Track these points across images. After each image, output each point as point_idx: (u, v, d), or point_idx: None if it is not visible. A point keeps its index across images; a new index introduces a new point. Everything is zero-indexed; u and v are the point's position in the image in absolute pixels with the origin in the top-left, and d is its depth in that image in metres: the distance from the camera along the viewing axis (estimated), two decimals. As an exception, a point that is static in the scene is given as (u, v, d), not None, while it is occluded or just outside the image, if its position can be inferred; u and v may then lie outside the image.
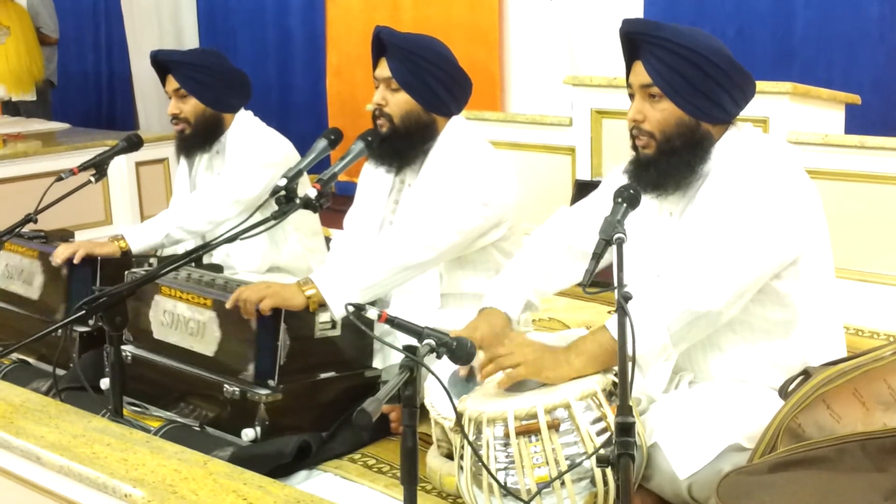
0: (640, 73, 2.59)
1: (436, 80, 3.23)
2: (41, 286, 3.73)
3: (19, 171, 6.26)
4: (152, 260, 3.77)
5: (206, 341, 3.08)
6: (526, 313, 3.17)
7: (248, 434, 2.91)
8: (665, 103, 2.57)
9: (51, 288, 3.70)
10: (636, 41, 2.60)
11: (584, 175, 5.10)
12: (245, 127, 3.96)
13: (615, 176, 2.87)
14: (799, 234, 2.53)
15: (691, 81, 2.53)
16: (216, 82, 3.90)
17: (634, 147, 2.66)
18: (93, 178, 3.90)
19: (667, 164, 2.58)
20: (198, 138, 3.95)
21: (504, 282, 2.96)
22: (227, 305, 2.96)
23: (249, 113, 4.03)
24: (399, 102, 3.24)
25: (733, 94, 2.58)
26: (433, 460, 2.84)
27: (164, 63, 3.91)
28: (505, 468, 2.36)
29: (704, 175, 2.60)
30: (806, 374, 2.43)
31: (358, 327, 2.29)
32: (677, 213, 2.66)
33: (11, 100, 8.27)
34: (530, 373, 2.49)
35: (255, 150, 3.87)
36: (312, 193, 3.01)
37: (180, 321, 3.15)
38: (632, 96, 2.65)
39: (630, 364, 2.05)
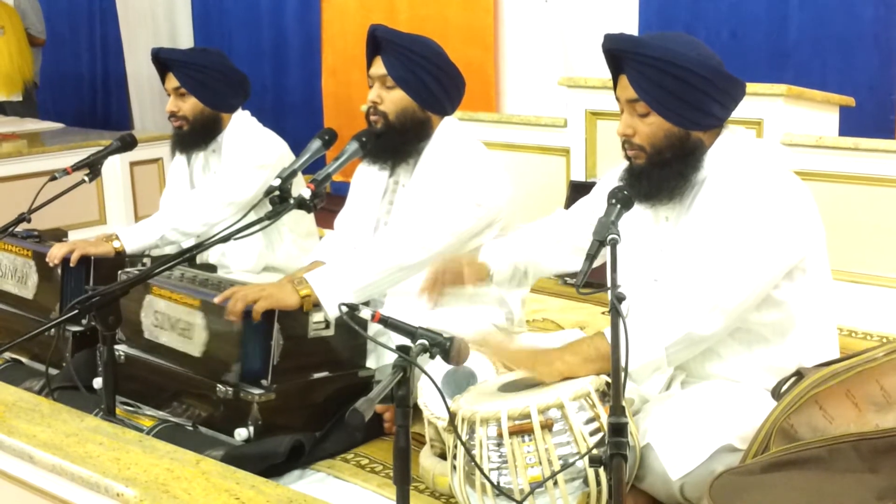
0: (626, 88, 2.59)
1: (431, 77, 3.23)
2: (35, 286, 3.73)
3: (13, 171, 6.25)
4: (146, 259, 3.77)
5: (195, 342, 3.07)
6: (519, 310, 3.18)
7: (241, 434, 2.91)
8: (653, 117, 2.56)
9: (45, 287, 3.70)
10: (619, 57, 2.60)
11: (579, 176, 5.11)
12: (241, 127, 3.96)
13: (610, 177, 2.87)
14: (798, 242, 2.53)
15: (677, 94, 2.53)
16: (216, 83, 3.89)
17: (627, 157, 2.66)
18: (87, 178, 3.90)
19: (659, 176, 2.58)
20: (195, 136, 3.95)
21: (496, 243, 3.01)
22: (217, 300, 2.96)
23: (247, 113, 4.02)
24: (394, 99, 3.24)
25: (721, 100, 2.57)
26: (426, 460, 2.84)
27: (165, 61, 3.91)
28: (498, 468, 2.36)
29: (700, 182, 2.60)
30: (799, 374, 2.44)
31: (351, 327, 2.29)
32: (673, 218, 2.66)
33: None
34: (528, 369, 2.51)
35: (250, 151, 3.86)
36: (307, 193, 3.00)
37: (170, 321, 3.14)
38: (621, 109, 2.65)
39: (622, 364, 2.05)
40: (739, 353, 2.63)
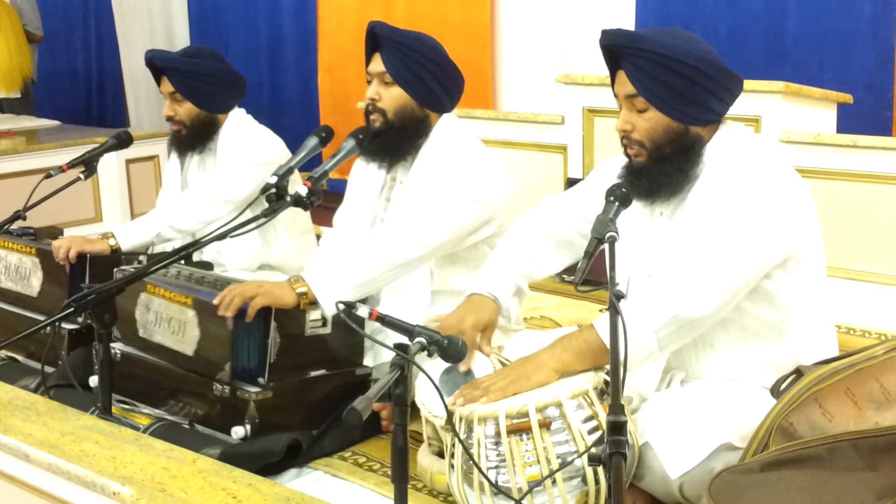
0: (624, 84, 2.58)
1: (429, 75, 3.22)
2: (41, 284, 3.70)
3: (8, 168, 6.24)
4: (141, 257, 3.75)
5: (186, 340, 3.06)
6: (516, 308, 3.17)
7: (238, 432, 2.90)
8: (651, 112, 2.56)
9: (52, 285, 3.67)
10: (617, 52, 2.59)
11: (576, 173, 5.10)
12: (237, 125, 3.94)
13: (603, 168, 2.86)
14: (789, 234, 2.53)
15: (675, 89, 2.52)
16: (211, 87, 3.87)
17: (626, 154, 2.65)
18: (82, 176, 3.88)
19: (659, 172, 2.57)
20: (193, 139, 3.94)
21: (491, 267, 2.93)
22: (215, 301, 2.95)
23: (242, 111, 4.00)
24: (393, 97, 3.22)
25: (720, 95, 2.57)
26: (424, 458, 2.83)
27: (159, 67, 3.89)
28: (496, 467, 2.36)
29: (696, 176, 2.59)
30: (798, 373, 2.43)
31: (349, 325, 2.28)
32: (668, 214, 2.66)
33: None
34: (521, 388, 2.47)
35: (246, 149, 3.85)
36: (303, 191, 2.99)
37: (163, 319, 3.13)
38: (619, 105, 2.64)
39: (622, 362, 2.04)
40: (735, 347, 2.62)
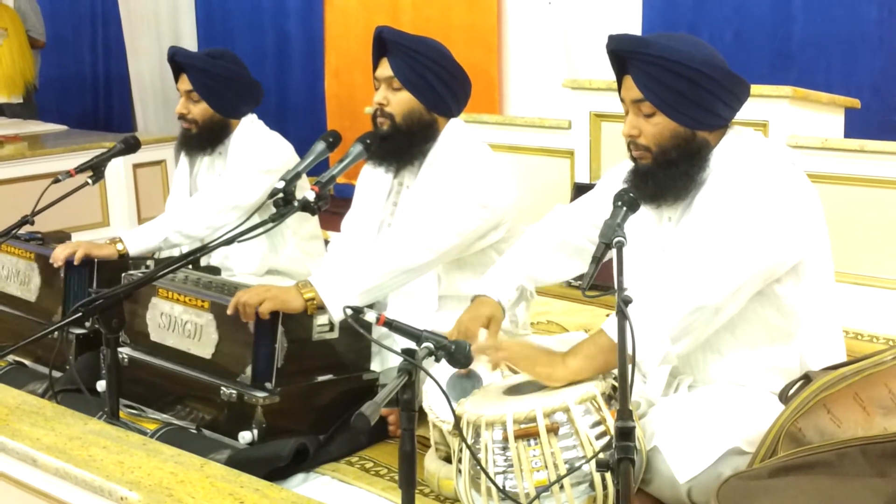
0: (631, 89, 2.58)
1: (437, 79, 3.23)
2: (38, 288, 3.72)
3: (15, 173, 6.24)
4: (149, 262, 3.76)
5: (204, 343, 3.07)
6: (523, 312, 3.17)
7: (246, 437, 2.90)
8: (658, 117, 2.56)
9: (48, 290, 3.69)
10: (623, 57, 2.59)
11: (583, 178, 5.10)
12: (249, 131, 3.95)
13: (612, 176, 2.86)
14: (799, 237, 2.52)
15: (683, 94, 2.52)
16: (230, 92, 3.88)
17: (633, 158, 2.65)
18: (90, 180, 3.88)
19: (665, 176, 2.57)
20: (202, 140, 3.94)
21: (495, 271, 2.96)
22: (229, 311, 2.95)
23: (254, 116, 4.01)
24: (401, 101, 3.23)
25: (727, 100, 2.57)
26: (431, 463, 2.83)
27: (180, 64, 3.90)
28: (503, 472, 2.36)
29: (703, 181, 2.59)
30: (807, 378, 2.42)
31: (356, 330, 2.28)
32: (676, 219, 2.66)
33: None
34: (525, 367, 2.50)
35: (256, 155, 3.85)
36: (311, 196, 3.00)
37: (178, 323, 3.14)
38: (626, 110, 2.64)
39: (630, 367, 2.04)
40: (743, 352, 2.61)
